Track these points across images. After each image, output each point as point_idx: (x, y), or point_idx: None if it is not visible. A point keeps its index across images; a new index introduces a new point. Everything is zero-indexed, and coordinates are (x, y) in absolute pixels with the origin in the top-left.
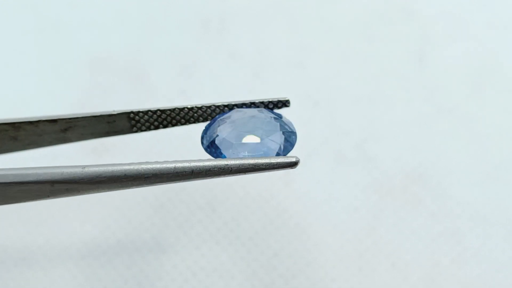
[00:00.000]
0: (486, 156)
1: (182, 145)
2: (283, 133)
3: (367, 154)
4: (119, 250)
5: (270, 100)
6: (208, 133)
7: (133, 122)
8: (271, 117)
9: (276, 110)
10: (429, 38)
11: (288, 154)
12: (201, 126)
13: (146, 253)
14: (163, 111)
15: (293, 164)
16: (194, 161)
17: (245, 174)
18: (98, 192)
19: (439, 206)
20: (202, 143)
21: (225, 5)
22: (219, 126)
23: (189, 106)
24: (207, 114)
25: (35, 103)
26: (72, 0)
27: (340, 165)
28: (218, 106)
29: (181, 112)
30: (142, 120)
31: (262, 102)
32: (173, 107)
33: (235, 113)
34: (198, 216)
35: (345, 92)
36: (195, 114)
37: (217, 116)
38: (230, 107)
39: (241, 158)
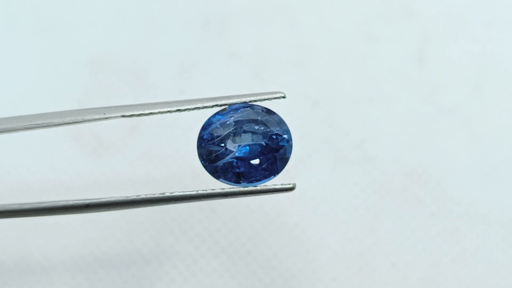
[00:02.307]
0: (486, 156)
1: (182, 146)
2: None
3: (367, 154)
4: (119, 251)
5: (265, 97)
6: (206, 149)
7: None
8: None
9: (272, 103)
10: (429, 38)
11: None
12: (197, 117)
13: (146, 254)
14: (156, 113)
15: (289, 189)
16: (197, 191)
17: (244, 197)
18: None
19: (438, 206)
20: (200, 159)
21: (225, 5)
22: (218, 153)
23: (182, 108)
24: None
25: (35, 103)
26: (72, 0)
27: (340, 165)
28: (211, 106)
29: (174, 113)
30: (134, 116)
31: (257, 100)
32: (166, 110)
33: (233, 139)
34: (198, 216)
35: (345, 92)
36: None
37: (212, 120)
38: (224, 106)
39: (241, 187)
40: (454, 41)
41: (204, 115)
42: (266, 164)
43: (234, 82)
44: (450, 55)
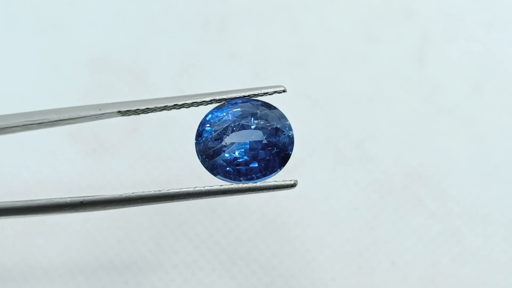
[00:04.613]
0: (486, 156)
1: (182, 146)
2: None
3: (367, 154)
4: (119, 250)
5: (265, 91)
6: (204, 146)
7: (121, 114)
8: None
9: (272, 97)
10: (429, 38)
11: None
12: (197, 116)
13: (146, 253)
14: (152, 109)
15: (291, 186)
16: (194, 187)
17: (244, 194)
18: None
19: (439, 206)
20: (198, 156)
21: (225, 5)
22: (217, 149)
23: (179, 103)
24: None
25: (35, 103)
26: (72, 0)
27: (340, 164)
28: (210, 101)
29: (172, 109)
30: (130, 112)
31: (257, 94)
32: (163, 105)
33: (232, 135)
34: (198, 216)
35: (345, 92)
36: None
37: (210, 115)
38: (222, 101)
39: (242, 183)
40: (454, 41)
41: (205, 112)
42: (266, 160)
43: (234, 82)
44: (450, 55)
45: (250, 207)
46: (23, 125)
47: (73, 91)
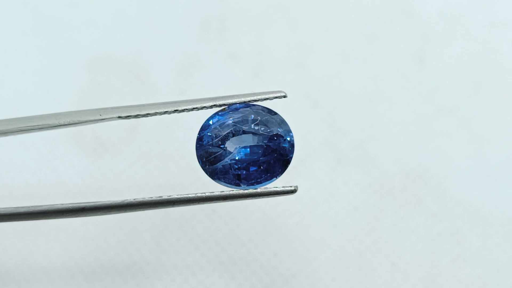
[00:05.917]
0: (486, 156)
1: (183, 147)
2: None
3: (367, 154)
4: (119, 250)
5: (265, 97)
6: (204, 151)
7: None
8: (266, 139)
9: (272, 103)
10: (429, 38)
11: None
12: (198, 117)
13: (146, 254)
14: (152, 114)
15: (291, 192)
16: (195, 193)
17: (245, 200)
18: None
19: (439, 206)
20: (198, 161)
21: (225, 5)
22: (217, 155)
23: (180, 108)
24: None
25: (35, 103)
26: (72, 0)
27: (340, 165)
28: (210, 107)
29: (172, 114)
30: (131, 117)
31: (257, 100)
32: (163, 110)
33: (233, 140)
34: (199, 216)
35: (345, 92)
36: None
37: (211, 121)
38: (223, 106)
39: (241, 190)
40: (454, 41)
41: (205, 115)
42: (266, 165)
43: (234, 82)
44: (450, 55)
45: (251, 207)
46: (22, 130)
47: (73, 91)
